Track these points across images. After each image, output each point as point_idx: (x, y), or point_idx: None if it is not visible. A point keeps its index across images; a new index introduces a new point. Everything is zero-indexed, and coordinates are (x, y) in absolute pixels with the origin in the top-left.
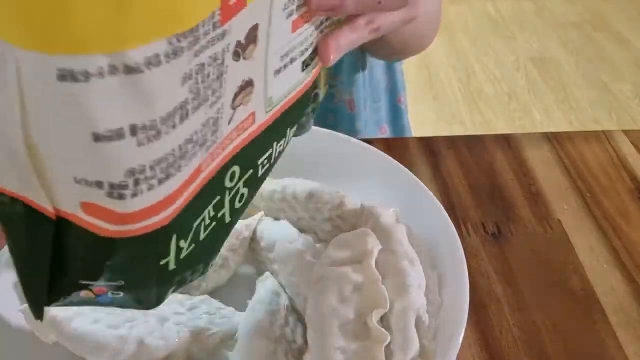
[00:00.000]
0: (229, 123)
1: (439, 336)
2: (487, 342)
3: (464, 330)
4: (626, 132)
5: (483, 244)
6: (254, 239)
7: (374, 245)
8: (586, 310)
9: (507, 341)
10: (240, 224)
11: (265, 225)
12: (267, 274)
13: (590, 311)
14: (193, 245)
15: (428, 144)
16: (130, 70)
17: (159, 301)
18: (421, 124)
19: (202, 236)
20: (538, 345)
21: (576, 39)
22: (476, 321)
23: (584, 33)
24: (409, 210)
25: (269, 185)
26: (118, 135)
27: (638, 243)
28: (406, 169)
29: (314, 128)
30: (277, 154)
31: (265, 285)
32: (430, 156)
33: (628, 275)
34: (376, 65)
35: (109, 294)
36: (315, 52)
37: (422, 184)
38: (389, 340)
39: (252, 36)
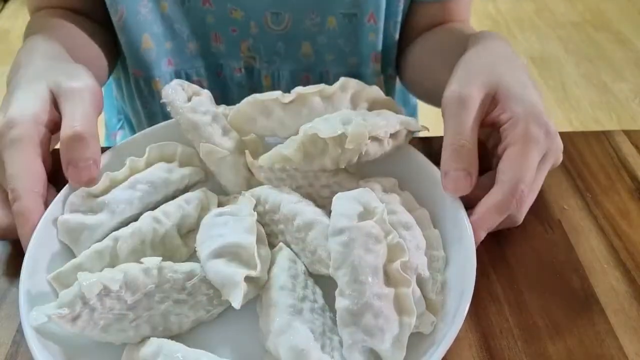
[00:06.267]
0: None
1: (449, 290)
2: (487, 342)
3: (473, 283)
4: (626, 132)
5: (483, 244)
6: (258, 203)
7: (379, 202)
8: (586, 310)
9: (507, 341)
10: None
11: (268, 191)
12: (280, 244)
13: (590, 311)
14: None
15: (429, 144)
16: None
17: None
18: (421, 124)
19: None
20: (538, 345)
21: (576, 39)
22: (476, 321)
23: (584, 33)
24: (408, 177)
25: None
26: None
27: (638, 243)
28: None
29: None
30: None
31: (282, 254)
32: (430, 156)
33: (628, 275)
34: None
35: None
36: None
37: (416, 150)
38: (412, 284)
39: None
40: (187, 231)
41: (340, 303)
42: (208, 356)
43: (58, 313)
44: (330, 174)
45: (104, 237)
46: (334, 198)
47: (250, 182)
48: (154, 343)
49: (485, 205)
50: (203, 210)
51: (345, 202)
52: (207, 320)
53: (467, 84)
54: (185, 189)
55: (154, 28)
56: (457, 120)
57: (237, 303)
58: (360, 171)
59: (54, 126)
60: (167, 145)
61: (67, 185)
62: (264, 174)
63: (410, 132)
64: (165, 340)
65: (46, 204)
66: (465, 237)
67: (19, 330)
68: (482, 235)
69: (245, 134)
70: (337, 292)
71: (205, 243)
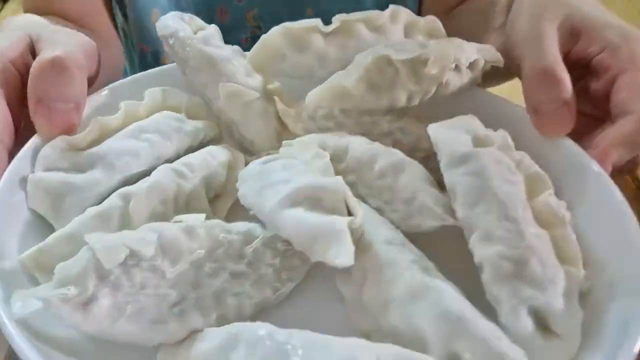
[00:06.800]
0: None
1: (585, 240)
2: None
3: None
4: None
5: None
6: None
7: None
8: None
9: None
10: None
11: (322, 136)
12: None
13: None
14: None
15: None
16: None
17: None
18: None
19: None
20: None
21: None
22: None
23: None
24: (484, 118)
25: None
26: None
27: None
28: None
29: None
30: None
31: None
32: None
33: None
34: None
35: None
36: None
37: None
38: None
39: None
40: (214, 195)
41: (490, 250)
42: (309, 334)
43: (60, 294)
44: (392, 118)
45: (101, 202)
46: (428, 129)
47: (282, 137)
48: (217, 332)
49: (611, 137)
50: (230, 170)
51: (448, 131)
52: (273, 303)
53: (538, 21)
54: (200, 147)
55: (162, 1)
56: (537, 49)
57: (347, 257)
58: (426, 116)
59: (26, 72)
60: (170, 92)
61: (35, 136)
62: (302, 125)
63: (486, 63)
64: (236, 323)
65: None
66: (589, 172)
67: None
68: (608, 170)
69: (268, 78)
70: (477, 238)
71: (265, 191)
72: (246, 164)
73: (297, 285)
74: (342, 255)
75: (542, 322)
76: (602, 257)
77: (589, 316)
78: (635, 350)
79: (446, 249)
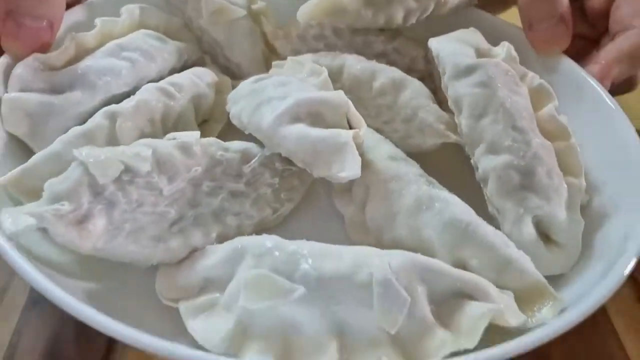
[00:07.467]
0: None
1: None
2: None
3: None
4: None
5: None
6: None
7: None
8: None
9: None
10: None
11: (314, 56)
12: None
13: (593, 312)
14: None
15: None
16: None
17: None
18: None
19: None
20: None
21: None
22: None
23: None
24: None
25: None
26: None
27: None
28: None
29: None
30: None
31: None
32: None
33: (631, 276)
34: None
35: None
36: None
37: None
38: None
39: None
40: (203, 120)
41: (496, 161)
42: (318, 244)
43: (53, 210)
44: (385, 38)
45: (82, 124)
46: (430, 42)
47: (269, 61)
48: (220, 247)
49: (613, 52)
50: (217, 93)
51: (450, 44)
52: (272, 224)
53: None
54: (182, 70)
55: None
56: None
57: (354, 169)
58: (421, 37)
59: None
60: (148, 10)
61: (5, 54)
62: (291, 47)
63: None
64: (240, 237)
65: None
66: (588, 90)
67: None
68: (607, 86)
69: None
70: (482, 150)
71: (261, 108)
72: (233, 88)
73: (296, 206)
74: (348, 167)
75: (544, 234)
76: (601, 173)
77: (590, 229)
78: (634, 261)
79: (443, 170)
